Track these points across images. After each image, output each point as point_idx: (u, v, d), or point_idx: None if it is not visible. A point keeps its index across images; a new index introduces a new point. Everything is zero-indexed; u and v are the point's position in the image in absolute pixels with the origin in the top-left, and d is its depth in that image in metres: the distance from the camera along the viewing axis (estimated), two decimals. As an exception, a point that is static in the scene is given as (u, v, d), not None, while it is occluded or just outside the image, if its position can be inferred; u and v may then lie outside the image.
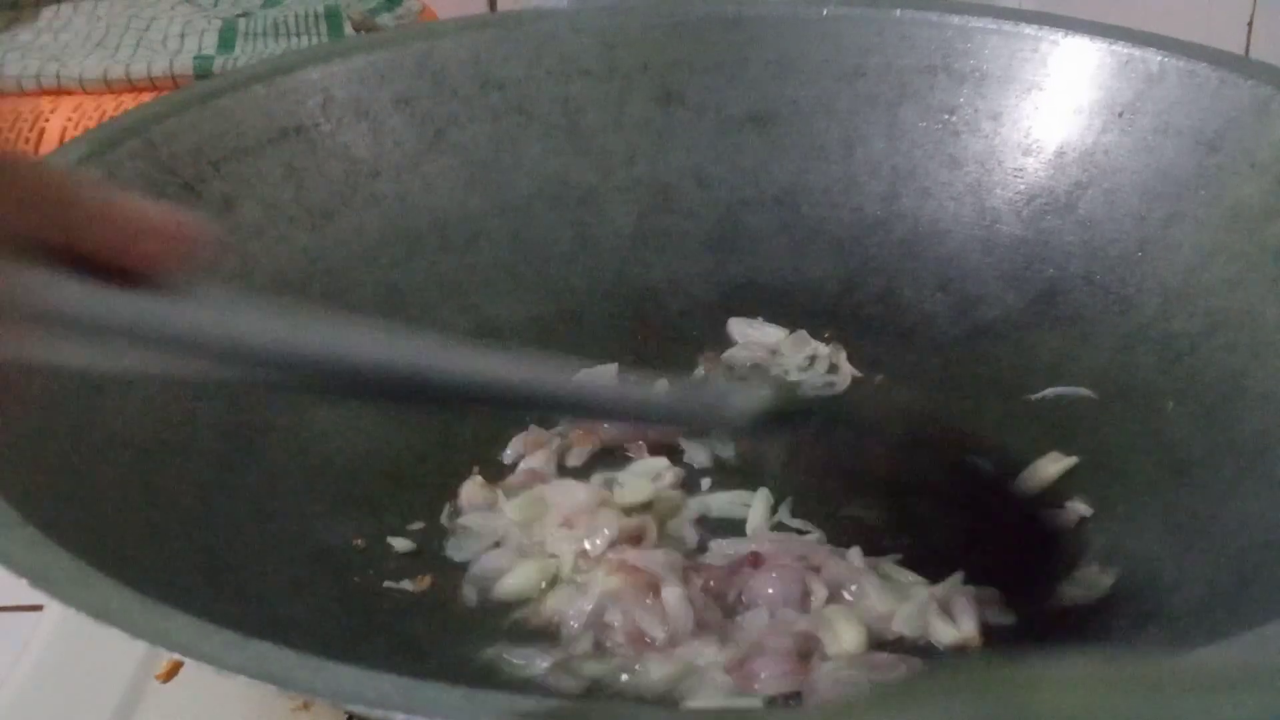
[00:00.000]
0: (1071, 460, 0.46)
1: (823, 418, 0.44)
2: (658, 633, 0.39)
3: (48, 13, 0.79)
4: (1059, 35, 0.54)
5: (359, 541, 0.44)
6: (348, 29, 0.74)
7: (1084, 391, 0.49)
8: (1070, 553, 0.43)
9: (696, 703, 0.38)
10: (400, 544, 0.44)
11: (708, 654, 0.39)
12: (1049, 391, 0.49)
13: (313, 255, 0.51)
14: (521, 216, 0.56)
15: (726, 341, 0.53)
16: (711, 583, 0.42)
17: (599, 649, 0.40)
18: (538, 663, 0.39)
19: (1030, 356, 0.51)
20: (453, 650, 0.40)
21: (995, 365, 0.51)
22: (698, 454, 0.47)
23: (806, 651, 0.39)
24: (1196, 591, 0.39)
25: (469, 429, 0.49)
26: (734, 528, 0.45)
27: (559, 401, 0.40)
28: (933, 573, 0.42)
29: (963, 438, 0.45)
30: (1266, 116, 0.48)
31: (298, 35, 0.73)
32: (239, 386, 0.46)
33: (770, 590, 0.41)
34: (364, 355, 0.35)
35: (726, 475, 0.47)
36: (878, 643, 0.40)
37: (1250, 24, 0.79)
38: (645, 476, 0.46)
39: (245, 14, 0.76)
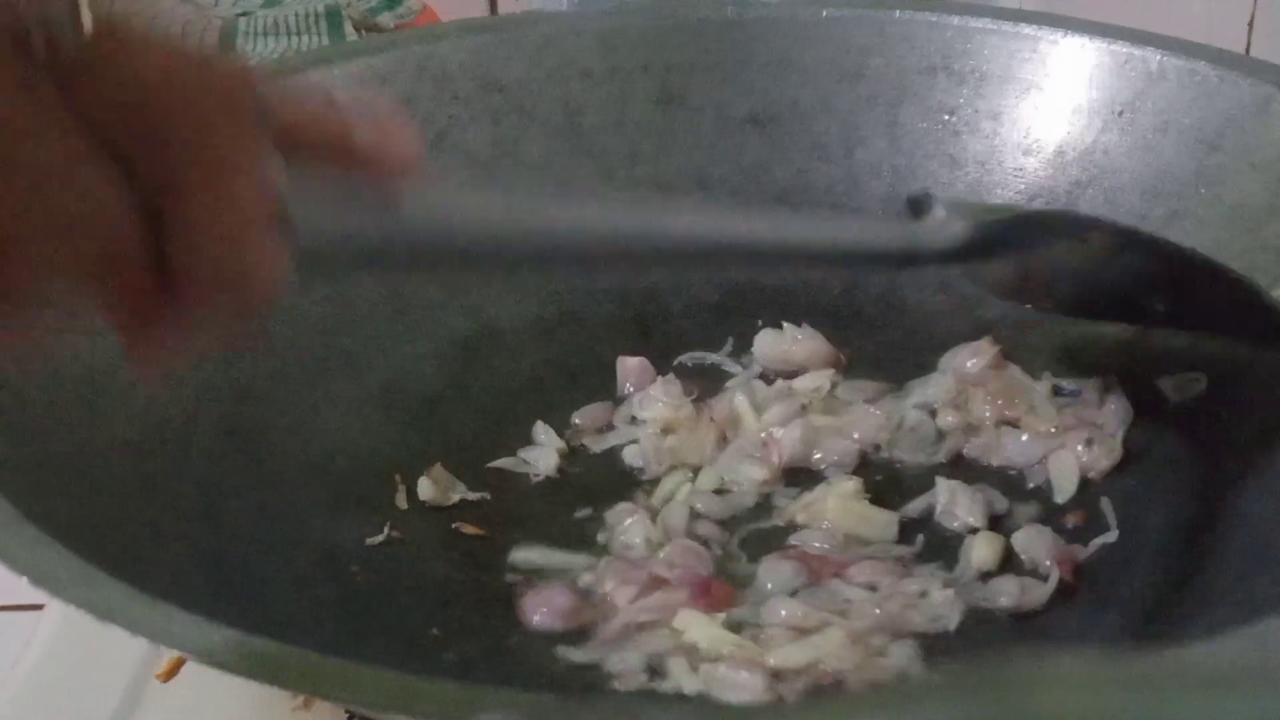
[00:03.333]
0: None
1: None
2: None
3: (49, 14, 0.79)
4: (1058, 35, 0.54)
5: (360, 541, 0.44)
6: (348, 28, 0.74)
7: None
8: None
9: None
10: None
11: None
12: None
13: (314, 257, 0.51)
14: (522, 218, 0.55)
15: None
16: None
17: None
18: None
19: (1031, 355, 0.51)
20: (454, 648, 0.40)
21: (995, 365, 0.51)
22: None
23: None
24: (1197, 590, 0.39)
25: (470, 429, 0.49)
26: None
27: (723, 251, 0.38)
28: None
29: None
30: (1266, 115, 0.48)
31: (298, 34, 0.74)
32: (239, 386, 0.46)
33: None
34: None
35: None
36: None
37: (1251, 23, 0.79)
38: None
39: (245, 13, 0.76)
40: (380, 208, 0.29)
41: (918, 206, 0.42)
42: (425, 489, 0.46)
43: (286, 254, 0.26)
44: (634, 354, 0.52)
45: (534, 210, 0.34)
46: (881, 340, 0.53)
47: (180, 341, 0.26)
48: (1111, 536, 0.43)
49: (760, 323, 0.54)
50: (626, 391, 0.51)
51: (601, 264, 0.35)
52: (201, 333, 0.26)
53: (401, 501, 0.46)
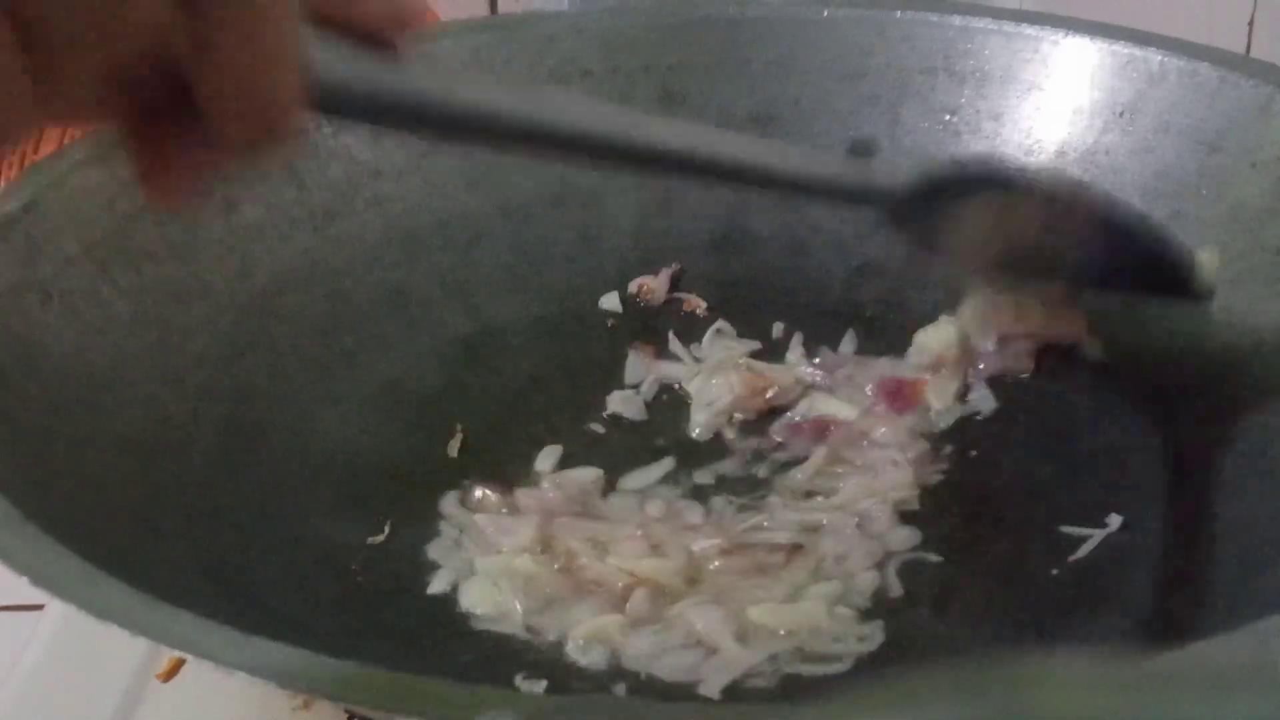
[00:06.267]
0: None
1: None
2: None
3: (50, 14, 0.79)
4: (1060, 35, 0.54)
5: (360, 541, 0.44)
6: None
7: None
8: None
9: None
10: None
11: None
12: None
13: (314, 256, 0.51)
14: (523, 217, 0.56)
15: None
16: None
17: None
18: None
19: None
20: (454, 649, 0.40)
21: (996, 365, 0.51)
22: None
23: None
24: (1197, 590, 0.39)
25: (471, 428, 0.49)
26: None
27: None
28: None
29: None
30: (1267, 116, 0.48)
31: (299, 36, 0.74)
32: (240, 385, 0.46)
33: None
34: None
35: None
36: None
37: (1251, 23, 0.78)
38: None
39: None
40: (390, 61, 0.30)
41: (863, 149, 0.44)
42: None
43: (306, 93, 0.26)
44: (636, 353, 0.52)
45: (533, 93, 0.36)
46: (882, 340, 0.53)
47: (194, 175, 0.26)
48: (1115, 523, 0.43)
49: (760, 322, 0.54)
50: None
51: (584, 153, 0.37)
52: (218, 166, 0.26)
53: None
